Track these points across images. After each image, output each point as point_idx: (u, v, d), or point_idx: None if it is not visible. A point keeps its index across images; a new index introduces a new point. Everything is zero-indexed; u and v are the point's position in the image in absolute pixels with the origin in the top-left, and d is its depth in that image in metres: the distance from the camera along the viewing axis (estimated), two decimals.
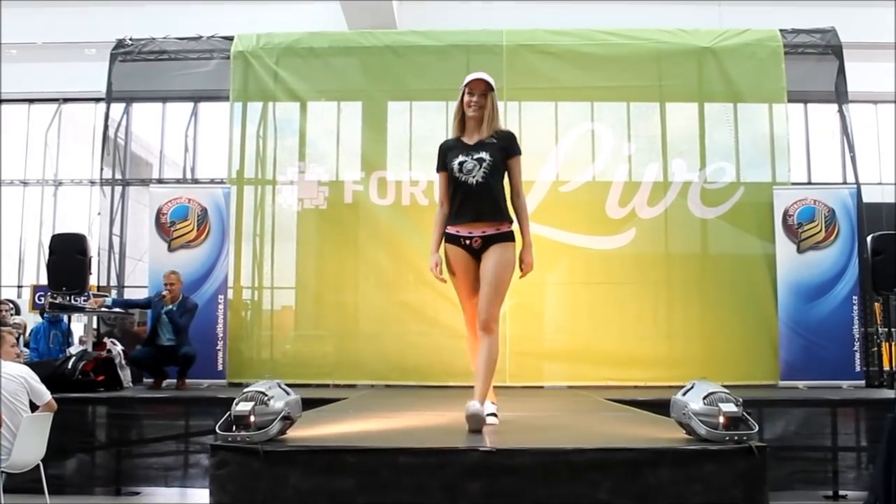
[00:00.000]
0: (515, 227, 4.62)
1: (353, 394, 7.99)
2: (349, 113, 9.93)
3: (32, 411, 5.79)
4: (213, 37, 10.15)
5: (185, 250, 9.36)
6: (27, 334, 10.62)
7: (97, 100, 14.02)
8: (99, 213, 10.73)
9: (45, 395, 5.86)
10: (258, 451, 3.42)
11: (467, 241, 4.54)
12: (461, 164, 4.50)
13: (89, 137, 15.49)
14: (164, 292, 8.62)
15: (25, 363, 9.01)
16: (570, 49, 9.77)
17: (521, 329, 9.26)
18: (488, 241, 4.52)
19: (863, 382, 8.90)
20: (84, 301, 8.92)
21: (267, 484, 3.42)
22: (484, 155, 4.50)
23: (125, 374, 8.62)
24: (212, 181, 11.35)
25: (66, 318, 9.68)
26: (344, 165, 9.77)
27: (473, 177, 4.48)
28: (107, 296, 9.45)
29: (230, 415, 3.54)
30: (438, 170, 4.70)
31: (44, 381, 5.94)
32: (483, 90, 4.54)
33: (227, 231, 9.46)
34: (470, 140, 4.59)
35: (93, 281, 9.56)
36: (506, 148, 4.59)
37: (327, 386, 9.13)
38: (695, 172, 9.57)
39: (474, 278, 4.60)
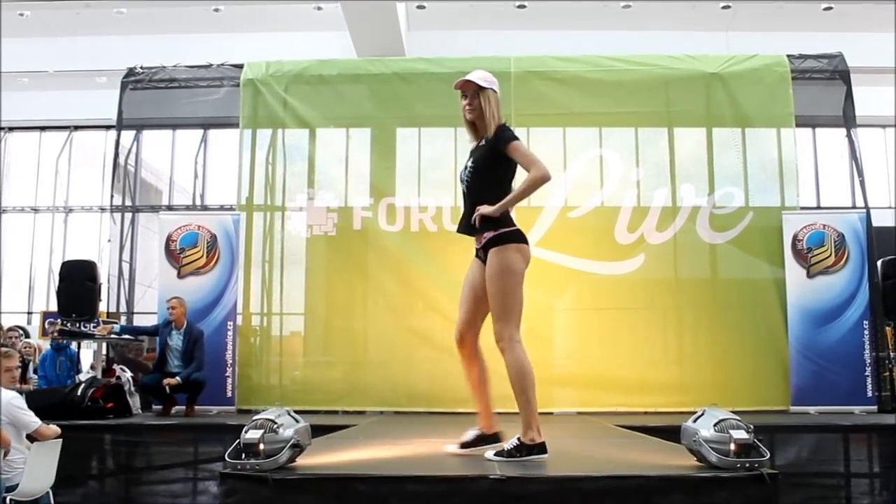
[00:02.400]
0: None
1: (363, 420, 7.97)
2: (358, 139, 9.97)
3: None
4: (222, 65, 10.20)
5: (194, 277, 9.34)
6: (36, 359, 10.62)
7: (108, 127, 14.15)
8: (109, 240, 10.76)
9: (33, 424, 5.57)
10: (268, 479, 3.41)
11: (477, 248, 4.38)
12: (462, 170, 4.44)
13: (100, 164, 15.61)
14: (169, 316, 8.66)
15: (34, 390, 9.04)
16: (578, 75, 9.80)
17: (530, 355, 9.16)
18: (486, 247, 4.27)
19: (875, 407, 8.80)
20: (93, 328, 8.93)
21: None
22: (470, 162, 4.38)
23: (134, 401, 8.61)
24: (221, 208, 11.40)
25: (74, 344, 9.70)
26: (353, 192, 9.79)
27: (463, 182, 4.40)
28: (116, 322, 9.46)
29: (240, 442, 3.54)
30: None
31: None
32: (471, 91, 4.34)
33: (237, 257, 9.45)
34: (473, 143, 4.48)
35: (102, 307, 9.60)
36: (494, 144, 4.31)
37: (336, 413, 9.11)
38: (703, 197, 9.56)
39: (471, 287, 4.43)
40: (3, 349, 6.24)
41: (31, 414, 5.66)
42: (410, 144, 9.87)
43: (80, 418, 7.28)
